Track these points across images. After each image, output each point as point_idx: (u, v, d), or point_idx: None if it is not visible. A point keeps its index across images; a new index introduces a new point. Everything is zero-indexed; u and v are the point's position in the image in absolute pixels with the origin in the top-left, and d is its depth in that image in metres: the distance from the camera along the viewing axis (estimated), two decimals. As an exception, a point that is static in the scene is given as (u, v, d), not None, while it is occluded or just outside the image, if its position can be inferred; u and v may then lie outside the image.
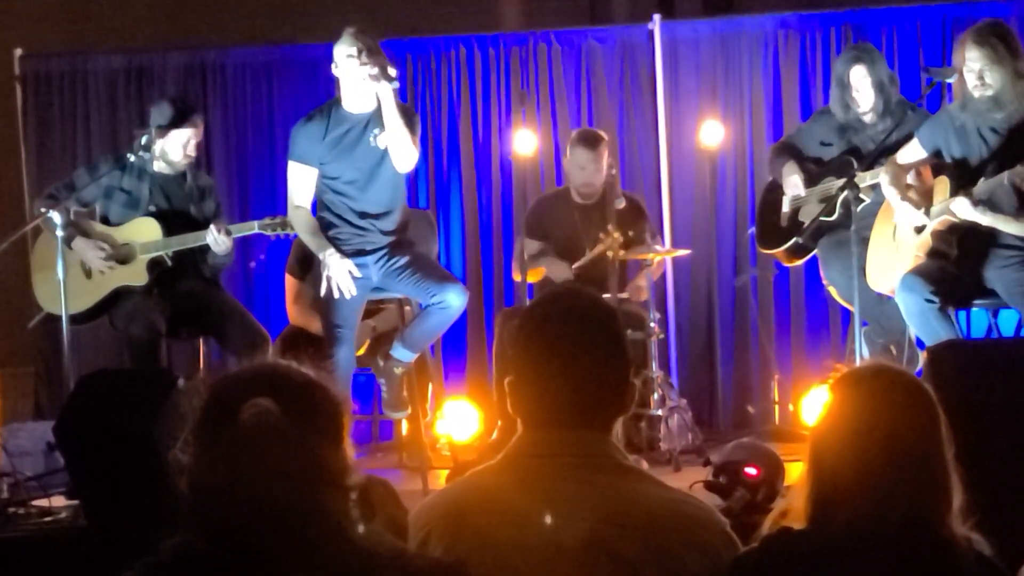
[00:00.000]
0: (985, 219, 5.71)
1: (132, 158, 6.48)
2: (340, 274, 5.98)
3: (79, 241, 6.47)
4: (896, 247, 6.11)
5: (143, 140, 6.44)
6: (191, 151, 6.61)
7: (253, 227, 6.42)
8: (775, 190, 6.91)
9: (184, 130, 6.53)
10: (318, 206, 6.20)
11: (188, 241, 6.49)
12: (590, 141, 7.20)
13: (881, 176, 6.11)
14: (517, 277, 7.15)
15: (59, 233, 6.20)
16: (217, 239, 6.36)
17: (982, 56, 5.74)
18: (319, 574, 2.16)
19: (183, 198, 6.67)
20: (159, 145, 6.54)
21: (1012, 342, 5.92)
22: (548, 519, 2.46)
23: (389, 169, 6.11)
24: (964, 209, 5.71)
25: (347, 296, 5.99)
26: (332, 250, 6.04)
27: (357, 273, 6.02)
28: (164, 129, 6.49)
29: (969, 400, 4.13)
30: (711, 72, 8.23)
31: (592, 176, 7.18)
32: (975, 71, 5.77)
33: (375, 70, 5.89)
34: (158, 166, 6.61)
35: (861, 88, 6.50)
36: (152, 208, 6.58)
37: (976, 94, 5.80)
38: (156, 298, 6.47)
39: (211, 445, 2.18)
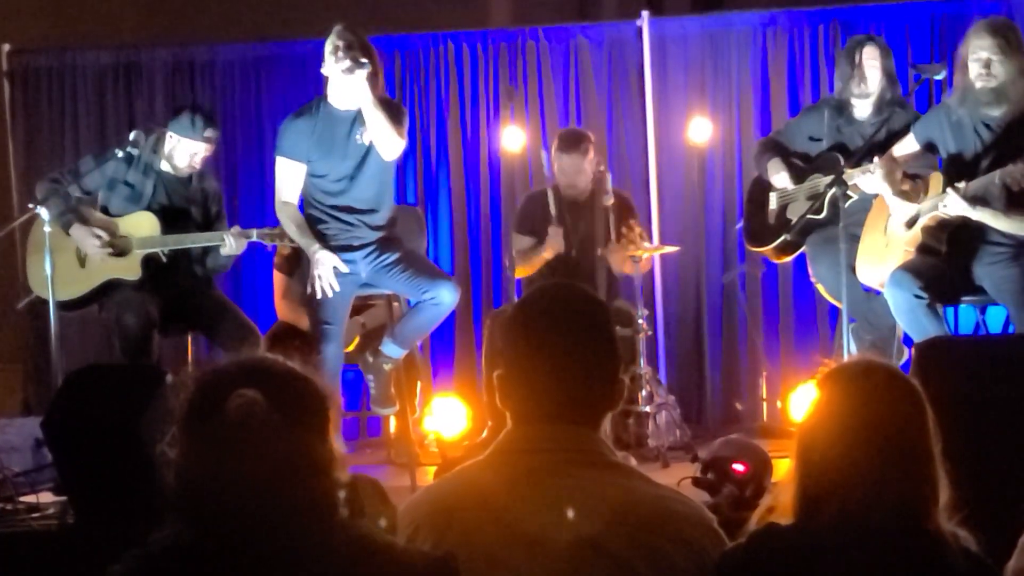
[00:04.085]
0: (975, 214, 5.72)
1: (121, 153, 6.45)
2: (327, 271, 5.98)
3: (77, 228, 6.45)
4: (886, 241, 6.11)
5: (132, 136, 6.42)
6: (196, 163, 6.61)
7: (251, 235, 6.41)
8: (761, 187, 6.91)
9: (197, 143, 6.53)
10: (305, 203, 6.21)
11: (185, 242, 6.49)
12: (570, 144, 7.13)
13: (876, 170, 6.11)
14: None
15: (46, 228, 6.20)
16: (236, 244, 6.36)
17: (994, 45, 5.75)
18: (307, 565, 2.16)
19: (186, 199, 6.66)
20: (168, 146, 6.54)
21: (999, 339, 5.93)
22: (571, 513, 2.46)
23: (376, 165, 6.12)
24: (955, 204, 5.72)
25: (329, 294, 5.99)
26: (319, 247, 6.04)
27: (344, 269, 6.02)
28: (170, 128, 6.50)
29: (956, 396, 4.14)
30: (699, 69, 8.23)
31: (573, 178, 7.14)
32: (982, 60, 5.77)
33: (346, 63, 5.90)
34: (165, 165, 6.61)
35: (870, 67, 6.46)
36: (154, 205, 6.57)
37: (978, 84, 5.80)
38: (147, 292, 6.46)
39: (198, 436, 2.19)
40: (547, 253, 7.08)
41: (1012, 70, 5.77)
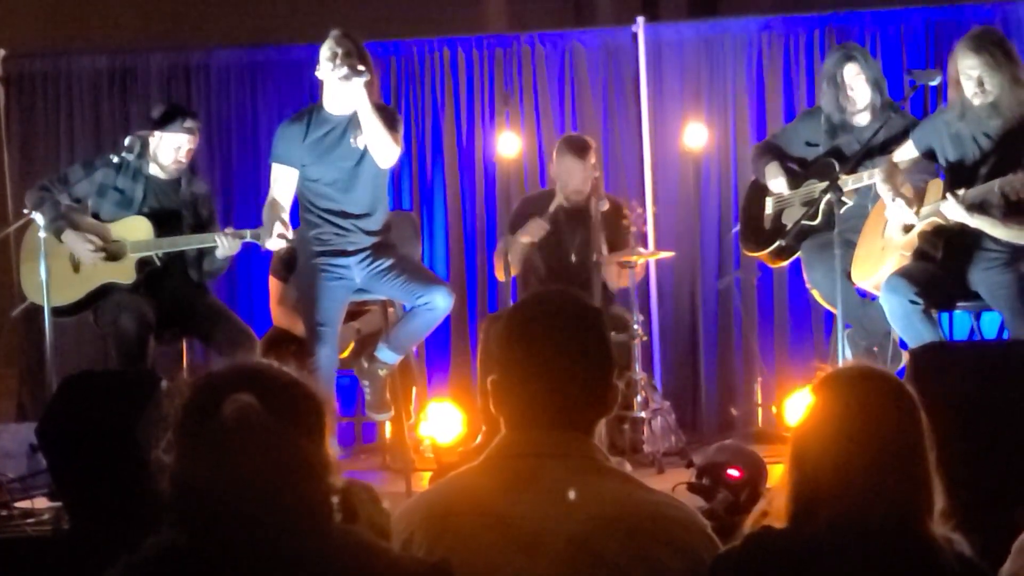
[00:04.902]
0: (973, 221, 5.72)
1: (116, 159, 6.44)
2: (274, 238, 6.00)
3: (69, 234, 6.43)
4: (883, 244, 6.12)
5: (127, 142, 6.41)
6: (182, 157, 6.58)
7: (245, 235, 6.39)
8: (758, 191, 6.92)
9: (178, 135, 6.51)
10: (300, 207, 6.21)
11: (179, 244, 6.48)
12: (579, 149, 7.15)
13: (876, 174, 6.12)
14: (500, 275, 7.15)
15: (42, 235, 6.19)
16: (229, 244, 6.33)
17: (981, 63, 5.75)
18: (301, 570, 2.16)
19: (176, 203, 6.65)
20: (152, 146, 6.53)
21: (994, 344, 5.93)
22: (572, 494, 2.47)
23: (370, 170, 6.12)
24: (953, 210, 5.72)
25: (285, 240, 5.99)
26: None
27: (289, 234, 6.01)
28: (153, 127, 6.49)
29: (951, 402, 4.14)
30: (695, 74, 8.24)
31: (581, 184, 7.15)
32: (974, 78, 5.77)
33: (344, 71, 5.90)
34: (153, 169, 6.59)
35: (856, 85, 6.47)
36: (145, 210, 6.56)
37: (976, 101, 5.80)
38: (142, 296, 6.45)
39: (193, 440, 2.19)
40: (524, 237, 7.09)
41: (1003, 81, 5.77)
